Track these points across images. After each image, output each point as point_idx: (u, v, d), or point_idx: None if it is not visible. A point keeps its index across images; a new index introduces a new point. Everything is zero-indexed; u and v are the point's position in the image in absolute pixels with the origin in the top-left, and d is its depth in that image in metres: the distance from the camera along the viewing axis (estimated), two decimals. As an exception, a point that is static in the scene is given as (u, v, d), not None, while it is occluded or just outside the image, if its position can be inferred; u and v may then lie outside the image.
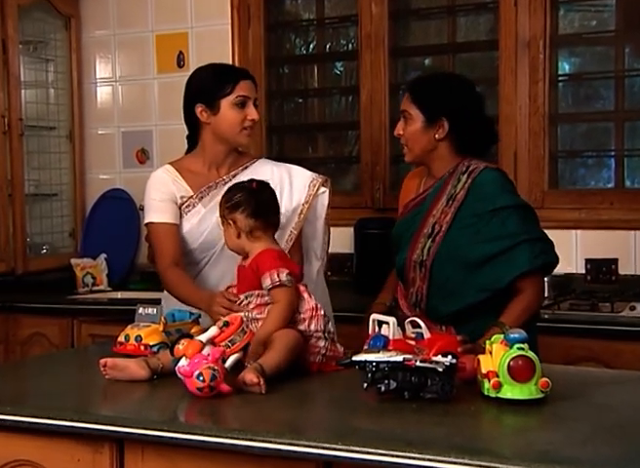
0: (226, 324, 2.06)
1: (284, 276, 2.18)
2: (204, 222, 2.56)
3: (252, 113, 2.56)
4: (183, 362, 1.98)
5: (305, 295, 2.23)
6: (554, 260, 2.46)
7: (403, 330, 2.24)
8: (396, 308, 2.53)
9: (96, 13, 4.47)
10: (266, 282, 2.18)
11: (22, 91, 4.14)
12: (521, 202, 2.46)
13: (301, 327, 2.19)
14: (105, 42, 4.49)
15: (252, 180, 2.33)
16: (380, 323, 2.18)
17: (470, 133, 2.47)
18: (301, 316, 2.21)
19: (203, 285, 2.58)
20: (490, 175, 2.45)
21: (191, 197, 2.59)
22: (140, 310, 2.42)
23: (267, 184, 2.34)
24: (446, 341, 2.13)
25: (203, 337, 2.03)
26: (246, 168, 2.65)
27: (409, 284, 2.49)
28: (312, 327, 2.20)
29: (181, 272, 2.53)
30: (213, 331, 2.05)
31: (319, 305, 2.25)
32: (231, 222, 2.26)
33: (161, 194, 2.60)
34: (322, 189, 2.65)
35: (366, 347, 2.11)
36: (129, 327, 2.38)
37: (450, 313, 2.40)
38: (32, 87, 4.30)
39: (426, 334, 2.15)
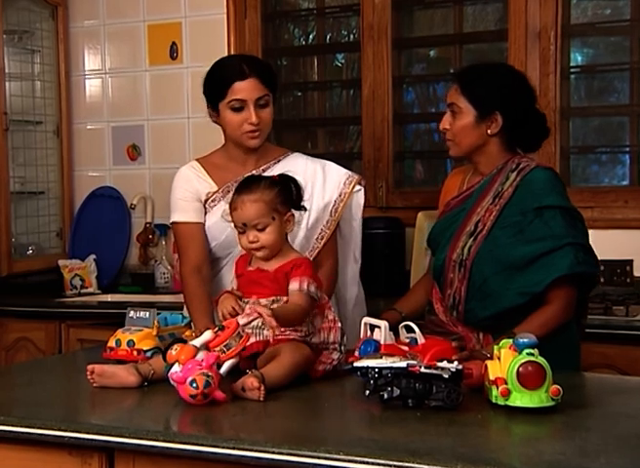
0: (221, 328, 2.06)
1: (313, 288, 2.18)
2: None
3: (250, 116, 2.52)
4: (176, 368, 1.98)
5: (326, 311, 2.24)
6: (596, 273, 2.41)
7: (442, 334, 2.24)
8: (430, 313, 2.51)
9: (84, 1, 4.46)
10: (294, 285, 2.17)
11: (7, 83, 4.14)
12: (570, 205, 2.41)
13: (317, 339, 2.20)
14: (94, 32, 4.49)
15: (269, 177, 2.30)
16: (372, 326, 2.17)
17: (523, 128, 2.44)
18: (321, 326, 2.21)
19: (222, 283, 2.59)
20: (541, 173, 2.41)
21: (216, 192, 2.61)
22: (132, 314, 2.42)
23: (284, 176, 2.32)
24: (440, 348, 2.13)
25: (197, 342, 2.03)
26: (279, 161, 2.66)
27: (447, 285, 2.46)
28: (331, 338, 2.21)
29: (201, 283, 2.52)
30: (207, 335, 2.05)
31: (337, 318, 2.26)
32: (289, 216, 2.23)
33: (184, 192, 2.62)
34: (357, 187, 2.67)
35: (357, 353, 2.12)
36: (120, 331, 2.38)
37: (487, 317, 2.37)
38: (17, 79, 4.30)
39: (420, 340, 2.15)
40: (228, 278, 2.58)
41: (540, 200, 2.36)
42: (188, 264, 2.56)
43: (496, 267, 2.36)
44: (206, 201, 2.60)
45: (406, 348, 2.11)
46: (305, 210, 2.33)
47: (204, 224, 2.60)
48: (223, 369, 2.03)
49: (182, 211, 2.61)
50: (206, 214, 2.60)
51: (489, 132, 2.42)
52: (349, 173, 2.69)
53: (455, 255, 2.43)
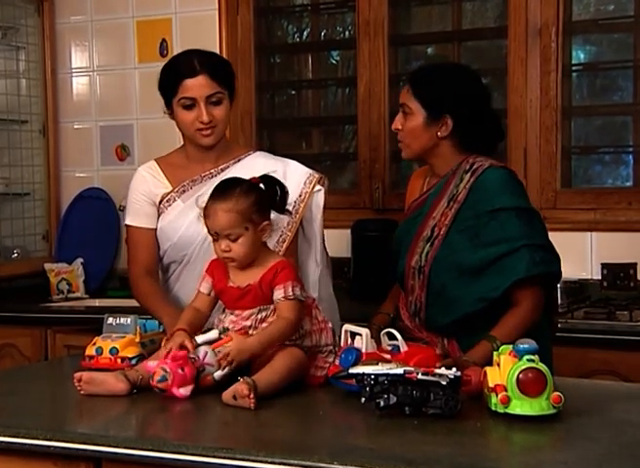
0: (225, 330, 2.12)
1: (298, 290, 2.17)
2: (182, 217, 2.58)
3: (200, 115, 2.53)
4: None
5: (314, 311, 2.24)
6: (556, 272, 2.41)
7: (408, 339, 2.25)
8: (398, 318, 2.53)
9: (71, -3, 4.47)
10: (279, 293, 2.16)
11: (-9, 81, 4.14)
12: (524, 204, 2.42)
13: (309, 342, 2.20)
14: (82, 28, 4.49)
15: (243, 179, 2.26)
16: (354, 334, 2.17)
17: (475, 130, 2.45)
18: (311, 328, 2.21)
19: (184, 285, 2.60)
20: (494, 173, 2.42)
21: (171, 192, 2.63)
22: (110, 320, 2.40)
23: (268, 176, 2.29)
24: (424, 355, 2.13)
25: (200, 338, 2.10)
26: (239, 160, 2.66)
27: (407, 292, 2.48)
28: (323, 341, 2.22)
29: (153, 283, 2.60)
30: (214, 334, 2.11)
31: (327, 318, 2.27)
32: (265, 226, 2.20)
33: (138, 195, 2.65)
34: (317, 187, 2.66)
35: (337, 362, 2.12)
36: (99, 338, 2.36)
37: (448, 323, 2.39)
38: (2, 77, 4.29)
39: (403, 348, 2.15)
40: (192, 276, 2.54)
41: (493, 202, 2.37)
42: (137, 267, 2.61)
43: (453, 273, 2.37)
44: (161, 201, 2.62)
45: (388, 356, 2.11)
46: (290, 213, 2.32)
47: (155, 230, 2.62)
48: (218, 374, 2.06)
49: (135, 215, 2.65)
50: (161, 214, 2.62)
51: (439, 134, 2.44)
52: (311, 171, 2.68)
53: (413, 262, 2.44)
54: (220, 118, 2.56)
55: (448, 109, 2.42)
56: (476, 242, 2.36)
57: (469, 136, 2.45)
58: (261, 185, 2.23)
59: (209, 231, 2.21)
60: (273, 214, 2.29)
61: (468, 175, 2.43)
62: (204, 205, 2.21)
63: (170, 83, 2.56)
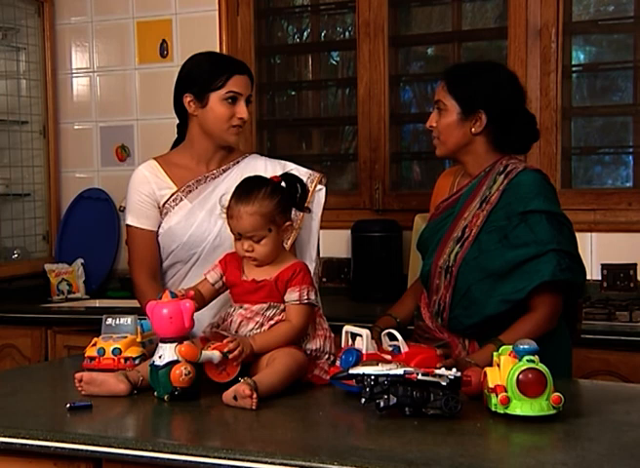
0: (227, 353, 2.09)
1: (312, 295, 2.18)
2: (191, 216, 2.59)
3: (242, 111, 2.57)
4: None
5: (318, 319, 2.25)
6: (581, 281, 2.39)
7: (428, 339, 2.24)
8: (418, 318, 2.52)
9: (71, -3, 4.47)
10: (293, 296, 2.17)
11: (-8, 82, 4.14)
12: (556, 210, 2.39)
13: (314, 345, 2.20)
14: (82, 29, 4.49)
15: (265, 178, 2.27)
16: (354, 335, 2.17)
17: (509, 128, 2.43)
18: (316, 333, 2.22)
19: (190, 285, 2.58)
20: (529, 176, 2.40)
21: (176, 192, 2.62)
22: (109, 321, 2.40)
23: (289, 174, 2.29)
24: (424, 356, 2.13)
25: (203, 356, 2.06)
26: (237, 162, 2.69)
27: (432, 291, 2.46)
28: (327, 347, 2.22)
29: (160, 290, 2.56)
30: (216, 354, 2.07)
31: (329, 327, 2.28)
32: (287, 226, 2.21)
33: (140, 195, 2.65)
34: (318, 186, 2.68)
35: (338, 363, 2.12)
36: (99, 339, 2.36)
37: (471, 325, 2.37)
38: (2, 77, 4.30)
39: (404, 348, 2.15)
40: (201, 274, 2.51)
41: (526, 204, 2.35)
42: (143, 273, 2.62)
43: (479, 275, 2.35)
44: (166, 201, 2.62)
45: (389, 357, 2.11)
46: (310, 211, 2.33)
47: (156, 233, 2.63)
48: (202, 357, 2.05)
49: (137, 215, 2.64)
50: (167, 214, 2.62)
51: (473, 130, 2.42)
52: (311, 172, 2.71)
53: (441, 262, 2.43)
54: (248, 120, 2.63)
55: (482, 105, 2.40)
56: (505, 243, 2.34)
57: (503, 133, 2.43)
58: (283, 184, 2.23)
59: (231, 230, 2.22)
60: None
61: (502, 177, 2.41)
62: (227, 204, 2.21)
63: (218, 76, 2.56)
